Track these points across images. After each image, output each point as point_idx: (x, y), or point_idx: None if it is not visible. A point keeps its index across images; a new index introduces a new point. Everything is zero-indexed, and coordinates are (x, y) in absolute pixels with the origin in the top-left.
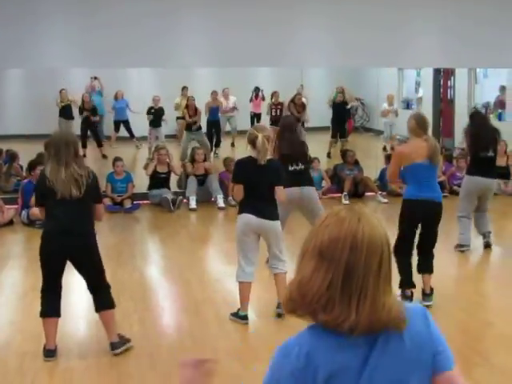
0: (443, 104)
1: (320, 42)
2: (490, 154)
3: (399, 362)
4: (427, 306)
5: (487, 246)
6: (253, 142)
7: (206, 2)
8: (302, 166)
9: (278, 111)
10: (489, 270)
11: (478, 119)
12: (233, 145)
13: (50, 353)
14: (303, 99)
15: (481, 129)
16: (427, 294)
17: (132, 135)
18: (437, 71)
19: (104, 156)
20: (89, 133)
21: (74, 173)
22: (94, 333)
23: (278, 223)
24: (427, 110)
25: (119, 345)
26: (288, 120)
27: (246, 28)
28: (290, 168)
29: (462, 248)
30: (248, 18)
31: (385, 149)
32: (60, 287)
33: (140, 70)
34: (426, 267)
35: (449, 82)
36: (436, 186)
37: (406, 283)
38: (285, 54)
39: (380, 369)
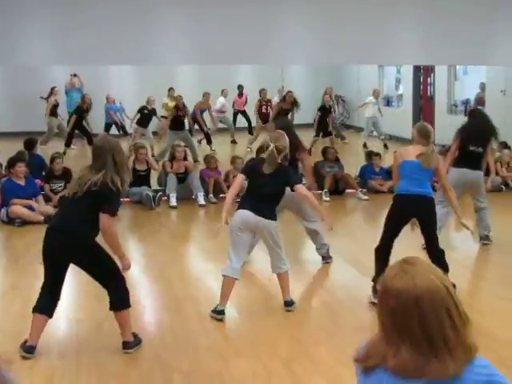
0: (423, 101)
1: (300, 40)
2: (479, 149)
3: None
4: None
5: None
6: (262, 149)
7: None
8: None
9: (269, 108)
10: (468, 266)
11: (479, 116)
12: (234, 142)
13: (30, 349)
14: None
15: (479, 124)
16: None
17: (126, 133)
18: (417, 68)
19: None
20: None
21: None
22: (75, 332)
23: (274, 223)
24: (407, 107)
25: (132, 344)
26: (286, 121)
27: (227, 26)
28: None
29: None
30: (229, 15)
31: (365, 145)
32: (56, 288)
33: (120, 67)
34: (441, 268)
35: (429, 79)
36: (426, 184)
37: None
38: (266, 52)
39: None
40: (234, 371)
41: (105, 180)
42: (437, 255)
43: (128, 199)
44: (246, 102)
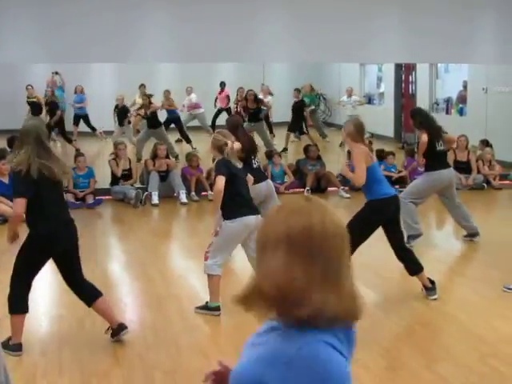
0: (405, 99)
1: (282, 38)
2: (443, 147)
3: None
4: (434, 300)
5: (473, 236)
6: (221, 148)
7: None
8: (260, 161)
9: (239, 108)
10: (449, 264)
11: (426, 115)
12: None
13: (20, 347)
14: (260, 95)
15: (433, 123)
16: (430, 288)
17: (93, 129)
18: (398, 66)
19: (78, 150)
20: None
21: None
22: (57, 329)
23: None
24: (389, 105)
25: (119, 330)
26: (235, 118)
27: (209, 24)
28: (255, 165)
29: (417, 239)
30: (210, 13)
31: (341, 144)
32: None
33: (102, 65)
34: (417, 267)
35: (410, 77)
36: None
37: None
38: (247, 50)
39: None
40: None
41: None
42: (407, 254)
43: (110, 197)
44: (228, 99)
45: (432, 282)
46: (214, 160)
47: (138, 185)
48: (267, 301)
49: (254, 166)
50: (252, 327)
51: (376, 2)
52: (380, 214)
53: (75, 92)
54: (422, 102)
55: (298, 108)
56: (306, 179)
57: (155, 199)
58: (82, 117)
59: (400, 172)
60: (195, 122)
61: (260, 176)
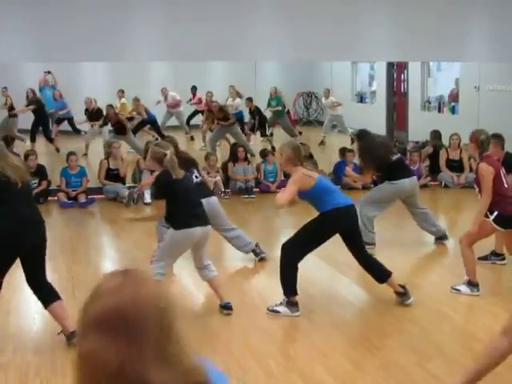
0: (397, 97)
1: (273, 36)
2: (397, 155)
3: None
4: (408, 305)
5: (442, 238)
6: (160, 159)
7: None
8: (201, 176)
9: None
10: (441, 262)
11: (370, 138)
12: (192, 138)
13: None
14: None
15: (379, 144)
16: (403, 293)
17: (77, 130)
18: (390, 65)
19: (57, 150)
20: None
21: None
22: (49, 327)
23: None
24: (381, 104)
25: (71, 338)
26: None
27: (200, 23)
28: (196, 179)
29: (371, 246)
30: (202, 12)
31: (322, 142)
32: None
33: (94, 64)
34: (383, 274)
35: (402, 75)
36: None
37: (293, 291)
38: (238, 49)
39: None
40: None
41: None
42: (374, 262)
43: (103, 196)
44: (201, 102)
45: (403, 287)
46: (151, 172)
47: (130, 184)
48: None
49: (194, 181)
50: (243, 327)
51: (367, 1)
52: (331, 225)
53: (54, 99)
54: (414, 101)
55: (253, 114)
56: None
57: (148, 198)
58: (67, 119)
59: None
60: (173, 122)
61: (202, 192)
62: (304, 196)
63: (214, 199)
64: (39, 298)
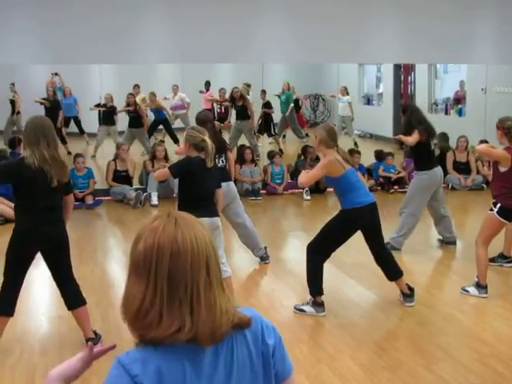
0: (404, 99)
1: (281, 39)
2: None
3: (246, 368)
4: (411, 307)
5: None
6: (198, 145)
7: None
8: (225, 161)
9: (223, 108)
10: (449, 265)
11: (417, 111)
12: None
13: None
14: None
15: (425, 120)
16: (408, 295)
17: (82, 131)
18: (397, 67)
19: (69, 152)
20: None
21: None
22: (57, 329)
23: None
24: (388, 106)
25: (96, 340)
26: (204, 113)
27: (208, 25)
28: (219, 164)
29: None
30: (209, 15)
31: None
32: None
33: (101, 66)
34: (395, 272)
35: (409, 77)
36: (367, 190)
37: (319, 291)
38: (246, 51)
39: (229, 377)
40: None
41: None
42: (391, 261)
43: (110, 197)
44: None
45: (410, 289)
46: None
47: (137, 185)
48: (129, 325)
49: (219, 165)
50: None
51: (374, 3)
52: (353, 224)
53: (64, 96)
54: (421, 103)
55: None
56: None
57: (154, 200)
58: (72, 118)
59: (399, 173)
60: (178, 124)
61: (224, 176)
62: (329, 183)
63: (233, 184)
64: (63, 299)
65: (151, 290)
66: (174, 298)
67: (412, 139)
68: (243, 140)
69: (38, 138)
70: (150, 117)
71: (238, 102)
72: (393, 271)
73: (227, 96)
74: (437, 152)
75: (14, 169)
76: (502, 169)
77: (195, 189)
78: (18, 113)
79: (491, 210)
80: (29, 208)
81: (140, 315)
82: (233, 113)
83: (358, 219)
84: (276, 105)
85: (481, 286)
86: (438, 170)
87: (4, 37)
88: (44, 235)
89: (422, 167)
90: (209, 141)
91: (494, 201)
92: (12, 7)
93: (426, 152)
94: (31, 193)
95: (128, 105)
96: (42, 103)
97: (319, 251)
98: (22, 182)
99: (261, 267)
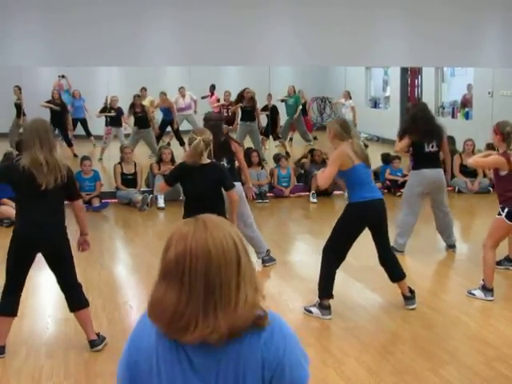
0: (411, 103)
1: (287, 42)
2: (435, 148)
3: (247, 364)
4: (412, 309)
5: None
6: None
7: (175, 2)
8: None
9: (230, 112)
10: (454, 268)
11: (425, 112)
12: None
13: (1, 349)
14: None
15: (430, 122)
16: (409, 297)
17: (89, 134)
18: (404, 70)
19: (75, 155)
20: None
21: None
22: (63, 331)
23: None
24: (395, 109)
25: (99, 342)
26: (209, 112)
27: (214, 28)
28: (227, 165)
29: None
30: (216, 18)
31: None
32: (23, 285)
33: (108, 68)
34: (398, 274)
35: (416, 80)
36: (375, 186)
37: (327, 294)
38: (252, 54)
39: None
40: None
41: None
42: (394, 261)
43: (116, 200)
44: (217, 101)
45: (411, 291)
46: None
47: (143, 188)
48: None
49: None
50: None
51: (381, 6)
52: (359, 218)
53: (73, 97)
54: (428, 106)
55: (272, 113)
56: (311, 183)
57: (161, 203)
58: (79, 120)
59: (405, 176)
60: (186, 126)
61: (233, 176)
62: (340, 175)
63: (240, 184)
64: (66, 302)
65: (186, 294)
66: (210, 300)
67: (397, 147)
68: (249, 143)
69: (32, 140)
70: (158, 119)
71: (247, 103)
72: (396, 272)
73: (232, 98)
74: (443, 156)
75: (4, 171)
76: (502, 172)
77: (185, 191)
78: (24, 115)
79: (499, 214)
80: (18, 211)
81: (175, 319)
82: (239, 113)
83: (362, 213)
84: (281, 109)
85: (487, 289)
86: (429, 171)
87: (12, 39)
88: (31, 239)
89: (413, 167)
90: (198, 140)
91: (501, 206)
92: (20, 10)
93: (417, 153)
94: (19, 195)
95: (133, 105)
96: (49, 107)
97: (334, 249)
98: (11, 184)
99: (267, 270)
